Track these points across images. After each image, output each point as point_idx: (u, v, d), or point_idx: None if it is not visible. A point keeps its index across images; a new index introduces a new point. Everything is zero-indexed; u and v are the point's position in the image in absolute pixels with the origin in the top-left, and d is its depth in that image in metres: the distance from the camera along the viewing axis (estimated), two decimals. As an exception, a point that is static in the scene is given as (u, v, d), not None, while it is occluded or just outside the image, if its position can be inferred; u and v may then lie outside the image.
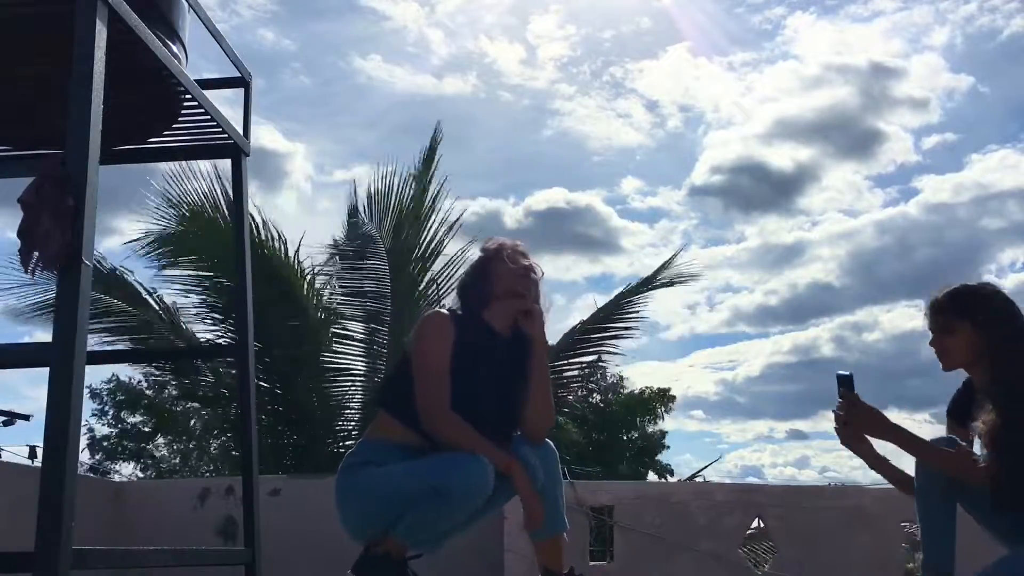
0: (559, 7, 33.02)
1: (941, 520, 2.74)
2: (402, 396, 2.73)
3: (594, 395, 19.26)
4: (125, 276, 8.75)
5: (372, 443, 2.77)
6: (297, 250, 8.95)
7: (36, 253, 1.90)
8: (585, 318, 9.62)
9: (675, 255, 9.86)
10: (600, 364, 10.60)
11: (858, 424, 2.76)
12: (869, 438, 2.82)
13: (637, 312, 9.52)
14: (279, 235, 8.84)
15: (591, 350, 9.74)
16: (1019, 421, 2.62)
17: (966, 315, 2.77)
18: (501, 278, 2.83)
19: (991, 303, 2.79)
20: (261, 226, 8.67)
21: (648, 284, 9.59)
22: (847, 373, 2.80)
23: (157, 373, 11.51)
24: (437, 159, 9.76)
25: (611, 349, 9.63)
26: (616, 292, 9.86)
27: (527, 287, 2.84)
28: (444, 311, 2.89)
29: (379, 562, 2.59)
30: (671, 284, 9.56)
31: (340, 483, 2.71)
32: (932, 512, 2.75)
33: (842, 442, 2.82)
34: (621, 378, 19.53)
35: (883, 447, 2.85)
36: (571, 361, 9.71)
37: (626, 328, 9.48)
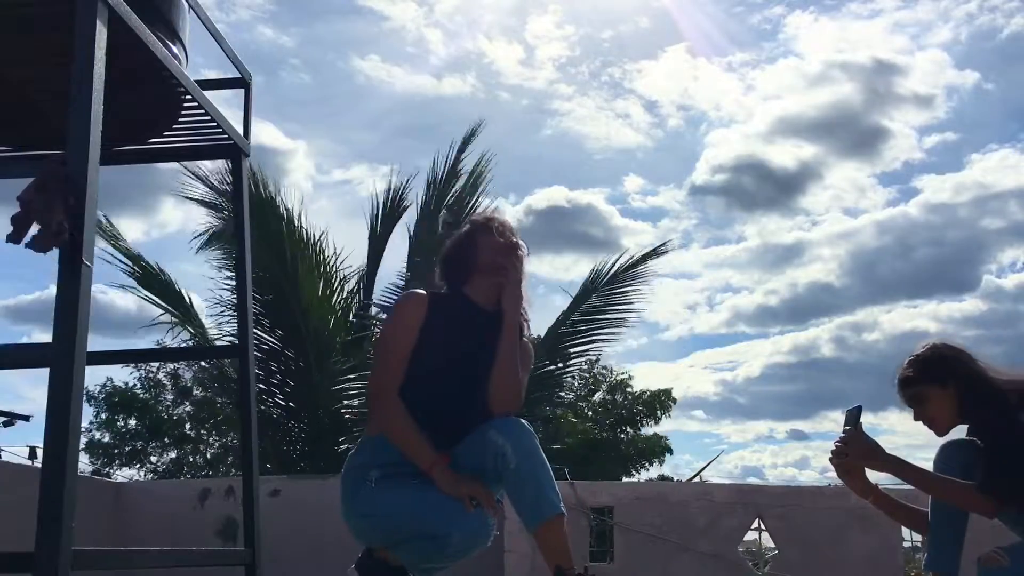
0: (558, 7, 33.08)
1: (951, 525, 2.76)
2: None
3: (596, 394, 19.17)
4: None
5: (371, 441, 2.73)
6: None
7: (32, 229, 1.88)
8: (565, 308, 9.70)
9: (662, 245, 10.14)
10: (595, 358, 10.64)
11: (854, 454, 2.79)
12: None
13: (628, 303, 9.60)
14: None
15: (579, 342, 9.82)
16: (1007, 462, 2.65)
17: (931, 379, 2.83)
18: (486, 250, 2.74)
19: (945, 361, 2.84)
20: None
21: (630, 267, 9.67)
22: (856, 407, 2.85)
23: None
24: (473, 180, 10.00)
25: (604, 341, 9.76)
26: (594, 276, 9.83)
27: (511, 262, 2.74)
28: (421, 291, 2.77)
29: (379, 565, 2.59)
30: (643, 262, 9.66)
31: (342, 490, 2.66)
32: (943, 516, 2.77)
33: (838, 474, 2.87)
34: (628, 377, 19.50)
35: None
36: (566, 352, 9.80)
37: (618, 318, 9.60)
